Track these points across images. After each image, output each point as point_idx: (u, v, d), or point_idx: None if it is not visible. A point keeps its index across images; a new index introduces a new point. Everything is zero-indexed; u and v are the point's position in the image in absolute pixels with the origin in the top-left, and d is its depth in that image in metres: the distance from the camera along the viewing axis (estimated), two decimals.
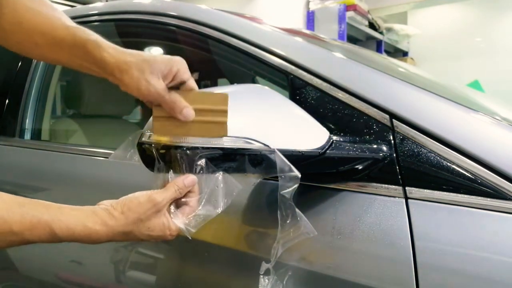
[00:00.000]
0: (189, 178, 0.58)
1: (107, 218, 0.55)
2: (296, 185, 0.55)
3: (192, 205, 0.59)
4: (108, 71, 0.58)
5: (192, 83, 0.58)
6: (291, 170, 0.54)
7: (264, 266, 0.59)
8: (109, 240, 0.56)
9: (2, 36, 0.66)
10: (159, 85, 0.55)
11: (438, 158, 0.59)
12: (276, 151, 0.55)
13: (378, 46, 3.67)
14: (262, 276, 0.59)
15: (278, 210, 0.56)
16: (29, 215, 0.51)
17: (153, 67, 0.56)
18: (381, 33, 3.67)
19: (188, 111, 0.55)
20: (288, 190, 0.55)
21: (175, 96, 0.55)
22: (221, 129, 0.56)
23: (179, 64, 0.57)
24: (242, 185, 0.59)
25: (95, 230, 0.55)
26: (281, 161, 0.55)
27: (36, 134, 1.23)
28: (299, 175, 0.55)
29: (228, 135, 0.56)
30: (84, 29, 0.62)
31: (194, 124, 0.56)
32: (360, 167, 0.63)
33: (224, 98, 0.55)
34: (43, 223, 0.51)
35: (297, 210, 0.56)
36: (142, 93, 0.55)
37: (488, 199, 0.55)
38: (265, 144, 0.56)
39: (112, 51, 0.58)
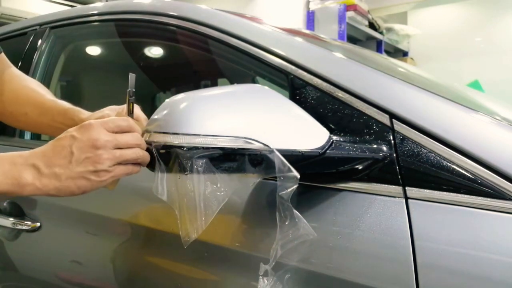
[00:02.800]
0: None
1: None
2: (294, 186, 0.54)
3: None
4: None
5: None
6: (290, 171, 0.54)
7: (263, 267, 0.59)
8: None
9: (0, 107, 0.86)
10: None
11: (438, 158, 0.59)
12: (275, 151, 0.55)
13: (378, 46, 3.67)
14: (261, 277, 0.59)
15: (277, 212, 0.56)
16: None
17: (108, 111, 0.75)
18: (381, 33, 3.67)
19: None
20: (287, 191, 0.55)
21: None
22: None
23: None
24: (242, 184, 0.59)
25: None
26: (280, 161, 0.55)
27: (36, 134, 1.23)
28: (298, 176, 0.54)
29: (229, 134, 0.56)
30: (62, 101, 0.82)
31: None
32: (360, 167, 0.63)
33: None
34: None
35: (295, 211, 0.56)
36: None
37: (488, 199, 0.55)
38: (265, 144, 0.56)
39: (87, 113, 0.77)
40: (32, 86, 0.86)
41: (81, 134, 0.54)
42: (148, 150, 0.58)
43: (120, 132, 0.56)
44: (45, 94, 0.84)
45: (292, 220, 0.56)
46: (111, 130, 0.55)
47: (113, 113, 0.73)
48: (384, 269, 0.56)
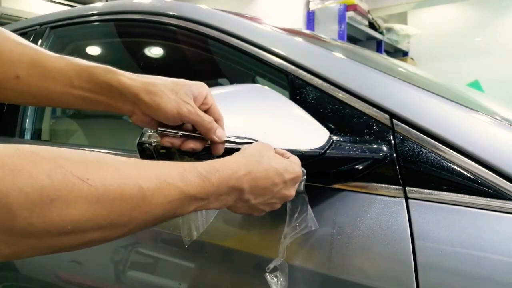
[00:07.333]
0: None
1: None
2: (303, 177, 0.56)
3: None
4: (128, 96, 0.53)
5: (216, 107, 0.57)
6: None
7: (272, 263, 0.59)
8: (246, 172, 0.49)
9: None
10: (196, 106, 0.54)
11: (438, 158, 0.59)
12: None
13: (378, 46, 3.67)
14: (268, 274, 0.59)
15: (287, 202, 0.57)
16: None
17: (186, 89, 0.54)
18: (381, 33, 3.67)
19: (220, 131, 0.55)
20: (299, 184, 0.56)
21: (210, 117, 0.54)
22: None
23: (207, 89, 0.56)
24: None
25: (232, 160, 0.50)
26: None
27: (36, 134, 1.23)
28: (304, 170, 0.56)
29: (229, 134, 0.56)
30: (74, 58, 0.57)
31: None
32: (360, 167, 0.63)
33: None
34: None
35: (308, 203, 0.58)
36: (182, 113, 0.52)
37: (488, 199, 0.55)
38: None
39: (129, 75, 0.54)
40: (19, 39, 0.57)
41: (292, 184, 0.54)
42: (148, 149, 0.58)
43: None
44: (45, 51, 0.57)
45: (302, 212, 0.57)
46: None
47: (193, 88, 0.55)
48: (384, 269, 0.56)
